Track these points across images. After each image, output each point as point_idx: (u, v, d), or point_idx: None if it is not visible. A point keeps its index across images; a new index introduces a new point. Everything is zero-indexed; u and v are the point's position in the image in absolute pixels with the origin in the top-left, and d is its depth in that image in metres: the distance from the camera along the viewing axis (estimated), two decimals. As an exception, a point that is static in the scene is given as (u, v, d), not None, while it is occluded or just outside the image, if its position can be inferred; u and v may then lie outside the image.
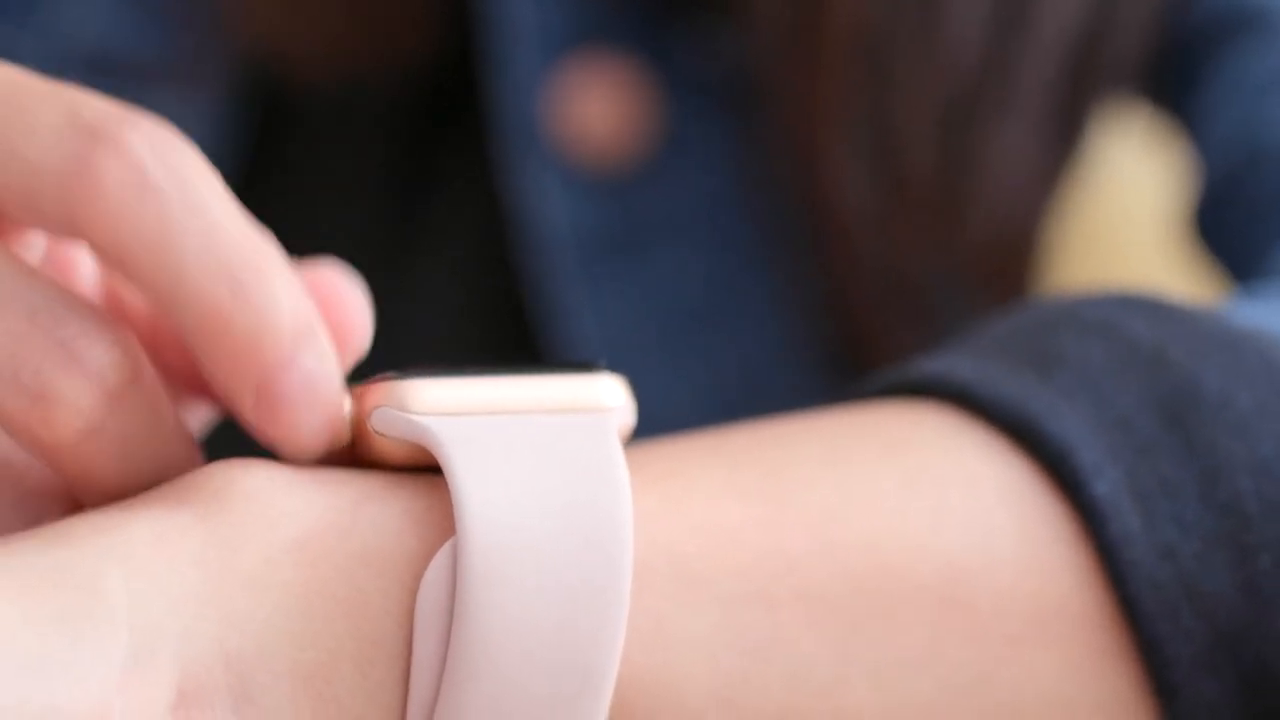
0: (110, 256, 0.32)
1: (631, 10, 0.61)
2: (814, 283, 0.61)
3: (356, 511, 0.33)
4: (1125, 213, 0.80)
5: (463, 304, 0.63)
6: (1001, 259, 0.60)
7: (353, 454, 0.34)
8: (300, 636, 0.32)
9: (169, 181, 0.32)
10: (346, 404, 0.34)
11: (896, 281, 0.60)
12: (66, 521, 0.32)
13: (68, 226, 0.32)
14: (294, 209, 0.63)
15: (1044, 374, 0.37)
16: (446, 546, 0.32)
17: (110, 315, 0.34)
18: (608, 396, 0.34)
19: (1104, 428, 0.36)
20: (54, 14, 0.61)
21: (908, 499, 0.36)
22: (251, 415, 0.33)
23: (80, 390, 0.32)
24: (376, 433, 0.33)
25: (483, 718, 0.32)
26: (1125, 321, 0.38)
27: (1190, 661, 0.36)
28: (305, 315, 0.33)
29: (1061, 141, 0.60)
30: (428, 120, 0.64)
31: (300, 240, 0.63)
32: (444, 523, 0.33)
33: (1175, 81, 0.59)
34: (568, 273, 0.60)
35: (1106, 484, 0.36)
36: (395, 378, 0.33)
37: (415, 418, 0.33)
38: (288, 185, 0.64)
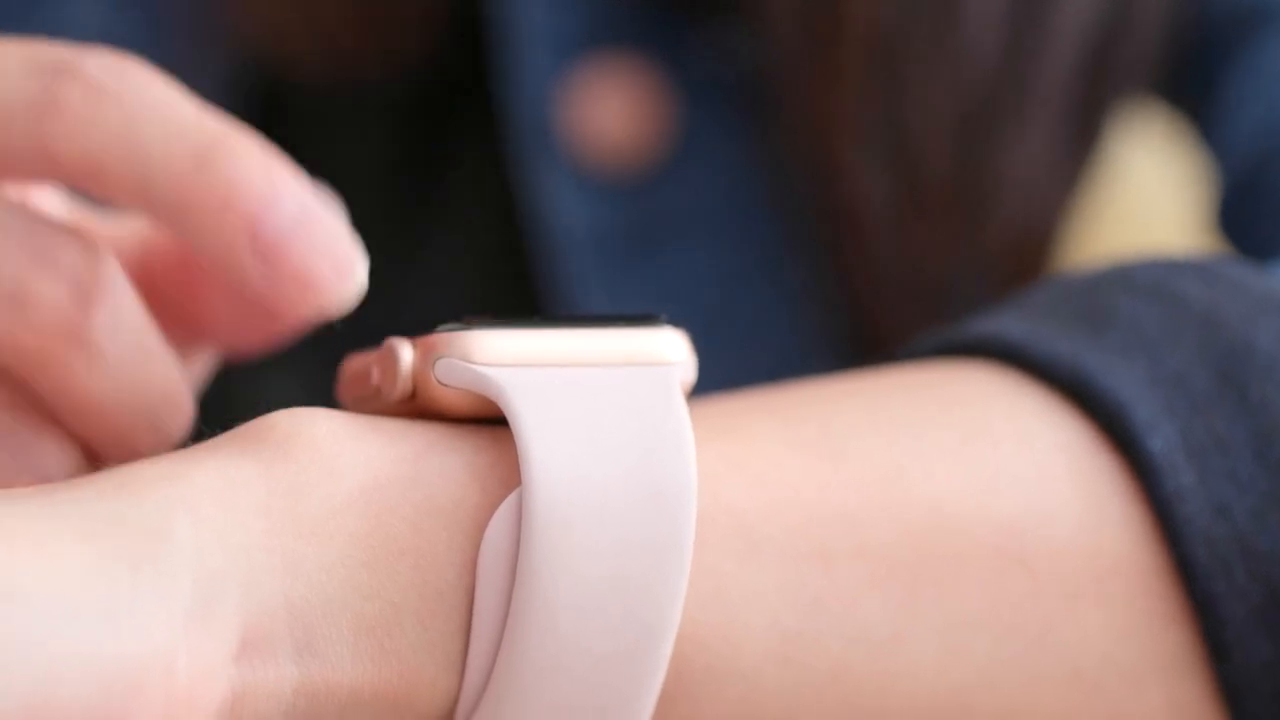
0: (82, 168, 0.33)
1: (645, 12, 0.61)
2: (830, 283, 0.61)
3: (421, 462, 0.33)
4: (1145, 213, 0.80)
5: (475, 306, 0.63)
6: (1020, 260, 0.60)
7: (415, 405, 0.34)
8: (364, 587, 0.32)
9: (126, 88, 0.34)
10: (408, 353, 0.34)
11: (913, 282, 0.60)
12: (130, 467, 0.32)
13: (39, 156, 0.34)
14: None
15: (1097, 333, 0.37)
16: (511, 498, 0.32)
17: (86, 235, 0.35)
18: (671, 350, 0.34)
19: (1158, 385, 0.36)
20: (53, 14, 0.61)
21: (965, 457, 0.36)
22: (257, 277, 0.33)
23: (55, 289, 0.33)
24: (440, 383, 0.33)
25: (543, 670, 0.32)
26: (1177, 282, 0.39)
27: (1244, 621, 0.36)
28: (280, 166, 0.34)
29: (1079, 143, 0.60)
30: (437, 121, 0.64)
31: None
32: (508, 474, 0.33)
33: (1194, 80, 0.59)
34: (582, 274, 0.60)
35: (1161, 440, 0.36)
36: (459, 328, 0.33)
37: (480, 368, 0.33)
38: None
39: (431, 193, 0.64)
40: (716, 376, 0.61)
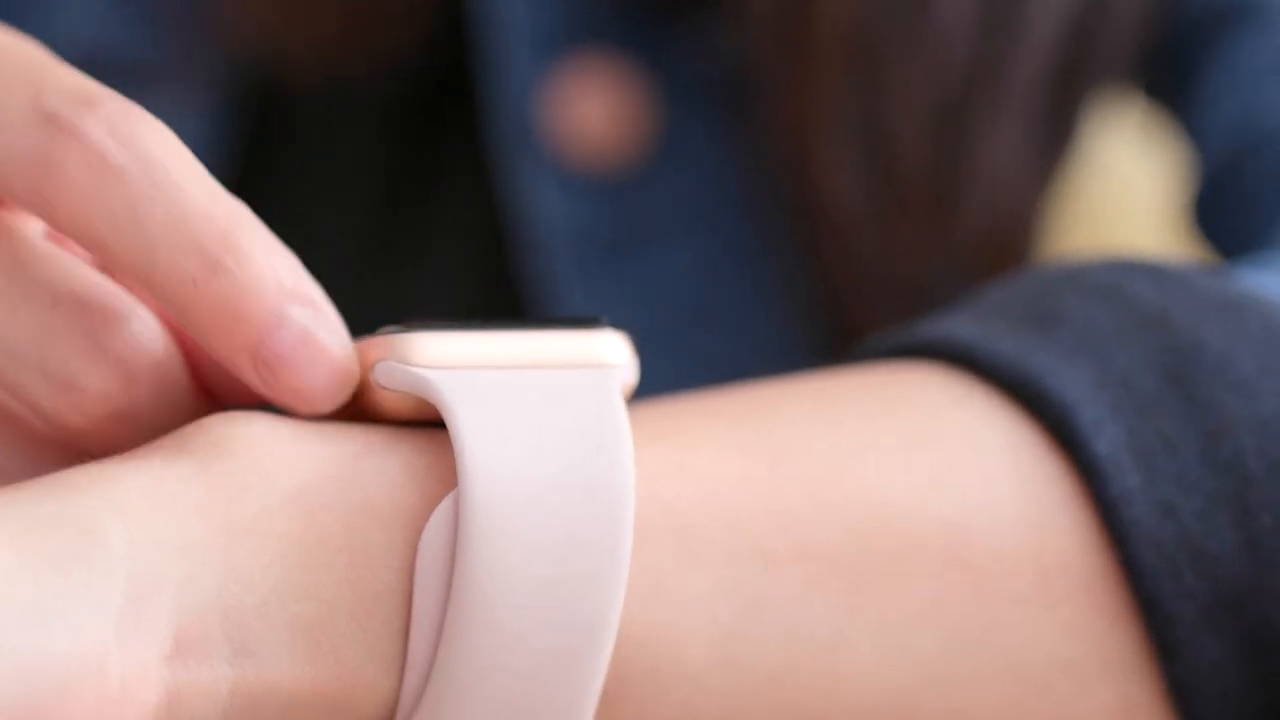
0: (85, 242, 0.32)
1: (626, 10, 0.61)
2: (809, 280, 0.61)
3: (357, 463, 0.33)
4: (1121, 205, 0.80)
5: (458, 302, 0.63)
6: (996, 255, 0.60)
7: (356, 408, 0.34)
8: (299, 588, 0.32)
9: (131, 162, 0.32)
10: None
11: (890, 278, 0.60)
12: (67, 471, 0.32)
13: (43, 213, 0.33)
14: (289, 208, 0.63)
15: (1046, 334, 0.37)
16: (448, 499, 0.32)
17: (131, 294, 0.34)
18: (611, 353, 0.34)
19: (1105, 386, 0.36)
20: (48, 15, 0.61)
21: (909, 457, 0.36)
22: (255, 381, 0.33)
23: (105, 378, 0.33)
24: (379, 386, 0.33)
25: (482, 671, 0.32)
26: (1128, 284, 0.38)
27: (1191, 621, 0.36)
28: (289, 273, 0.33)
29: (1055, 136, 0.60)
30: (423, 119, 0.64)
31: (296, 239, 0.63)
32: (446, 476, 0.33)
33: (1171, 74, 0.59)
34: (564, 271, 0.60)
35: (1107, 442, 0.36)
36: (398, 331, 0.33)
37: (418, 370, 0.33)
38: (283, 184, 0.64)
39: (418, 191, 0.64)
40: (696, 373, 0.61)
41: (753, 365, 0.62)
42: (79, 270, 0.34)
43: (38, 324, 0.33)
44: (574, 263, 0.61)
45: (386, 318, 0.64)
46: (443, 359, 0.33)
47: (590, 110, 0.61)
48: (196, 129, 0.61)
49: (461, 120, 0.63)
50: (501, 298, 0.62)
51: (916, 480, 0.35)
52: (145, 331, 0.34)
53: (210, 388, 0.37)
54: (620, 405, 0.33)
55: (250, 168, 0.63)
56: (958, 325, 0.38)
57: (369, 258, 0.63)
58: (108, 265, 0.34)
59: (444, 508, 0.32)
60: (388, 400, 0.33)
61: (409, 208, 0.64)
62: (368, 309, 0.65)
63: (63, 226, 0.32)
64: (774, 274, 0.61)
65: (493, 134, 0.61)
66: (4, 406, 0.34)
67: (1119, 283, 0.39)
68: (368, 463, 0.33)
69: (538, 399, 0.33)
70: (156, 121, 0.33)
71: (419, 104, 0.64)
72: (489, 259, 0.63)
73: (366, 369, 0.33)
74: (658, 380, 0.61)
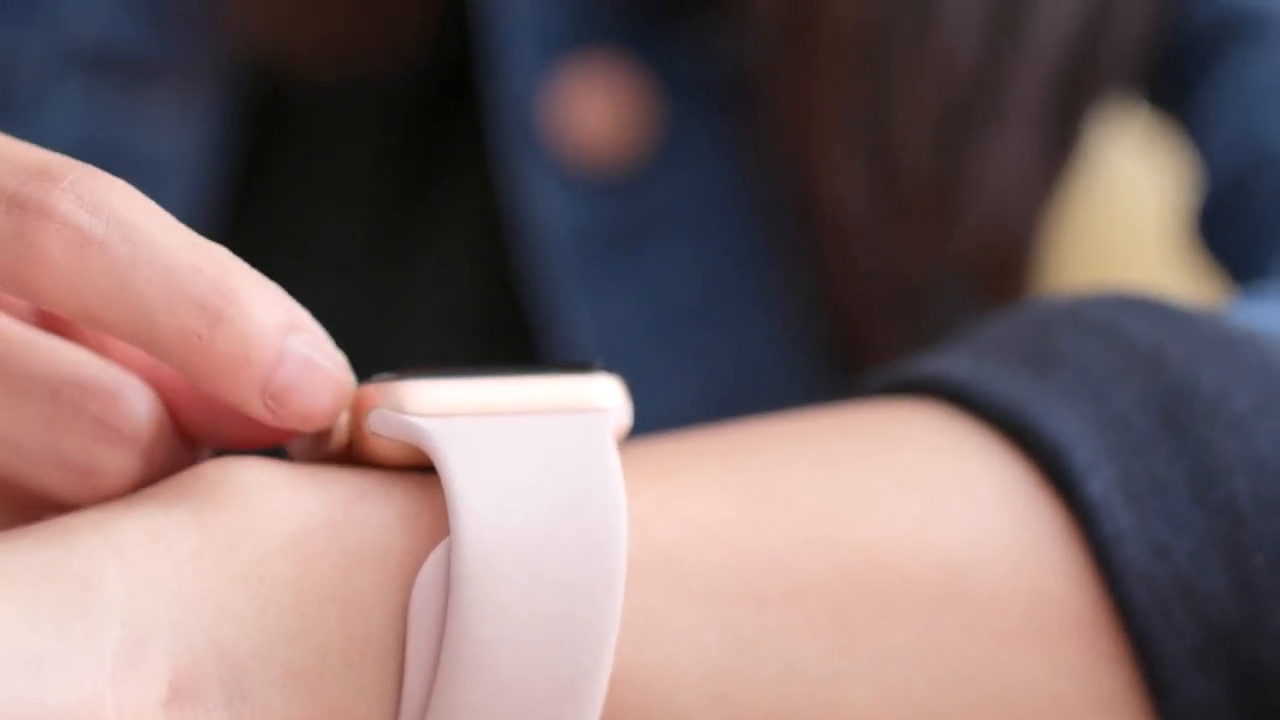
0: (75, 317, 0.32)
1: (629, 12, 0.61)
2: (810, 282, 0.61)
3: (350, 509, 0.33)
4: (1124, 215, 0.80)
5: (460, 302, 0.63)
6: (998, 262, 0.60)
7: (350, 455, 0.34)
8: (293, 633, 0.32)
9: (111, 232, 0.31)
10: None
11: (892, 282, 0.60)
12: (62, 518, 0.32)
13: (24, 294, 0.32)
14: (293, 206, 0.63)
15: (1041, 373, 0.37)
16: (441, 545, 0.33)
17: (121, 369, 0.34)
18: (603, 397, 0.34)
19: (1099, 426, 0.36)
20: (56, 12, 0.62)
21: (902, 497, 0.36)
22: (263, 414, 0.33)
23: (122, 457, 0.34)
24: (373, 433, 0.33)
25: (476, 712, 0.33)
26: (1124, 321, 0.39)
27: (1182, 660, 0.36)
28: (280, 306, 0.33)
29: (1058, 145, 0.60)
30: (426, 119, 0.64)
31: (299, 238, 0.63)
32: (438, 521, 0.33)
33: (1174, 86, 0.59)
34: (565, 272, 0.60)
35: (1100, 483, 0.36)
36: (391, 379, 0.34)
37: (411, 418, 0.33)
38: (287, 182, 0.64)
39: (421, 190, 0.64)
40: (696, 373, 0.61)
41: (753, 366, 0.62)
42: (67, 353, 0.34)
43: (43, 418, 0.33)
44: (575, 263, 0.61)
45: (388, 316, 0.63)
46: (435, 406, 0.33)
47: (593, 111, 0.61)
48: (201, 127, 0.61)
49: (464, 120, 0.63)
50: (502, 298, 0.62)
51: (910, 519, 0.36)
52: (145, 402, 0.34)
53: (192, 429, 0.37)
54: (612, 448, 0.34)
55: (254, 166, 0.63)
56: (954, 363, 0.38)
57: (371, 256, 0.63)
58: (108, 334, 0.33)
59: (437, 553, 0.33)
60: (382, 447, 0.34)
61: (411, 207, 0.64)
62: (369, 307, 0.66)
63: (49, 306, 0.32)
64: (775, 275, 0.61)
65: (495, 134, 0.61)
66: (4, 479, 0.34)
67: (1114, 319, 0.39)
68: (361, 508, 0.33)
69: (530, 444, 0.33)
70: (119, 181, 0.32)
71: (422, 103, 0.64)
72: (490, 259, 0.63)
73: (361, 416, 0.34)
74: (657, 380, 0.61)
